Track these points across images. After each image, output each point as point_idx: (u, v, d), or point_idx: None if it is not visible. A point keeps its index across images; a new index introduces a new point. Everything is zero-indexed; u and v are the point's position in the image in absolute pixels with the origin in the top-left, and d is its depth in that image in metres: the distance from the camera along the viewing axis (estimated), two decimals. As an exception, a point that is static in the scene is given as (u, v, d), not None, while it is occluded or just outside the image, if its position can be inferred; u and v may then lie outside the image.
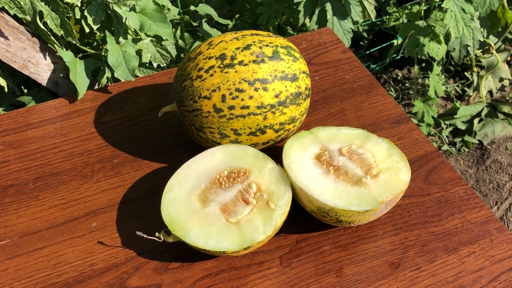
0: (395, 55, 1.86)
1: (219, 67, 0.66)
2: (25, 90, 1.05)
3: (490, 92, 1.86)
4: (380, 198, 0.60)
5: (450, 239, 0.66)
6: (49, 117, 0.84)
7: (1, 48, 0.84)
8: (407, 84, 1.89)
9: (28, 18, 0.79)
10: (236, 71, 0.65)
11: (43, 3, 0.81)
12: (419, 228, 0.68)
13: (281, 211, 0.61)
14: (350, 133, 0.69)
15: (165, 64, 1.02)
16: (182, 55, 1.29)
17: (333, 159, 0.65)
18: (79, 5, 0.83)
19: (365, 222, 0.63)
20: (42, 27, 0.84)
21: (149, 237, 0.62)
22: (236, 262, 0.64)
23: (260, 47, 0.67)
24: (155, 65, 1.01)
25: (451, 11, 1.30)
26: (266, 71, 0.66)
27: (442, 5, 1.31)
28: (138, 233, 0.62)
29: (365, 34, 1.83)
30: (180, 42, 1.20)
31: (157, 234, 0.62)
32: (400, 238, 0.67)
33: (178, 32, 1.23)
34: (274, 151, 0.74)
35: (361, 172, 0.64)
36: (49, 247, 0.66)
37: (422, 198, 0.71)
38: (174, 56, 1.04)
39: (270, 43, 0.68)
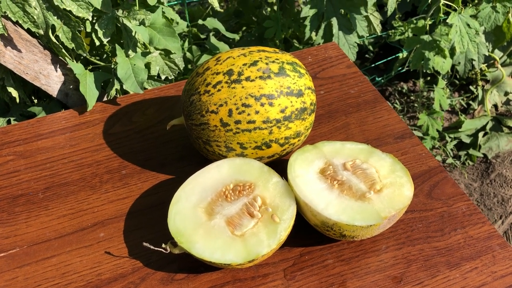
0: (400, 68, 1.87)
1: (226, 82, 0.67)
2: (35, 101, 1.07)
3: (495, 106, 1.87)
4: (383, 213, 0.61)
5: (453, 254, 0.67)
6: (59, 128, 0.86)
7: (14, 61, 0.86)
8: (412, 97, 1.90)
9: (41, 31, 0.81)
10: (243, 87, 0.67)
11: (55, 17, 0.83)
12: (422, 243, 0.69)
13: (285, 224, 0.62)
14: (355, 148, 0.70)
15: (173, 77, 1.04)
16: (189, 67, 1.31)
17: (337, 174, 0.66)
18: (90, 19, 0.85)
19: (368, 236, 0.64)
20: (54, 40, 0.86)
21: (156, 249, 0.63)
22: (241, 274, 0.65)
23: (267, 63, 0.69)
24: (163, 77, 1.03)
25: (456, 26, 1.31)
26: (272, 86, 0.67)
27: (447, 20, 1.33)
28: (145, 244, 0.64)
29: (370, 47, 1.85)
30: (188, 54, 1.22)
31: (163, 245, 0.63)
32: (402, 253, 0.68)
33: (186, 44, 1.25)
34: (279, 164, 0.75)
35: (364, 187, 0.65)
36: (58, 256, 0.68)
37: (425, 213, 0.72)
38: (182, 68, 1.06)
39: (277, 59, 0.70)
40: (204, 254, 0.60)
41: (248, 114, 0.67)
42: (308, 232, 0.69)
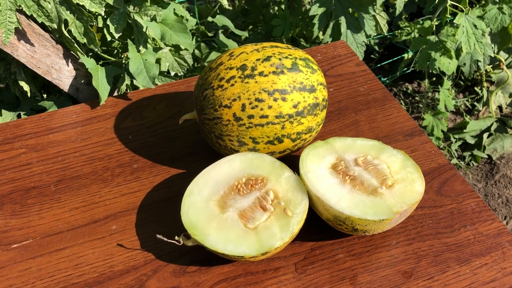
0: (405, 68, 1.87)
1: (240, 77, 0.68)
2: (45, 95, 1.07)
3: (500, 107, 1.87)
4: (395, 208, 0.62)
5: (463, 251, 0.68)
6: (70, 122, 0.87)
7: (27, 54, 0.86)
8: (417, 98, 1.91)
9: (55, 26, 0.82)
10: (256, 82, 0.68)
11: (68, 11, 0.84)
12: (432, 239, 0.69)
13: (298, 218, 0.62)
14: (366, 144, 0.71)
15: (182, 73, 1.05)
16: (196, 65, 1.31)
17: (349, 169, 0.67)
18: (103, 14, 0.86)
19: (379, 231, 0.65)
20: (67, 34, 0.87)
21: (169, 241, 0.64)
22: (252, 267, 0.66)
23: (280, 59, 0.69)
24: (172, 73, 1.04)
25: (463, 26, 1.32)
26: (285, 82, 0.68)
27: (454, 21, 1.33)
28: (158, 236, 0.64)
29: (376, 47, 1.85)
30: (196, 52, 1.22)
31: (176, 237, 0.64)
32: (413, 248, 0.68)
33: (194, 41, 1.26)
34: (290, 160, 0.76)
35: (376, 182, 0.65)
36: (70, 248, 0.68)
37: (434, 209, 0.73)
38: (191, 65, 1.06)
39: (290, 55, 0.70)
40: (217, 246, 0.60)
41: (261, 109, 0.67)
42: (318, 227, 0.70)
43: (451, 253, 0.67)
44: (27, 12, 0.78)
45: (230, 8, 1.47)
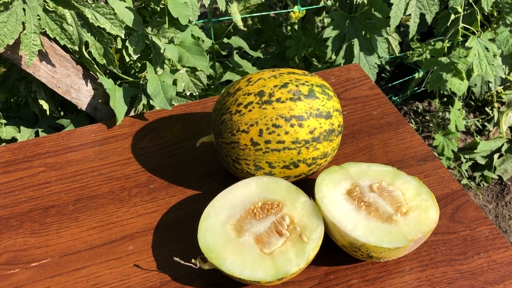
0: (416, 88, 1.88)
1: (257, 103, 0.69)
2: (62, 113, 1.09)
3: (511, 128, 1.87)
4: (410, 236, 0.62)
5: (476, 278, 0.68)
6: (88, 141, 0.88)
7: (48, 75, 0.89)
8: (427, 117, 1.91)
9: (76, 48, 0.84)
10: (273, 108, 0.69)
11: (89, 34, 0.86)
12: (445, 266, 0.70)
13: (313, 244, 0.63)
14: (380, 170, 0.72)
15: (197, 93, 1.06)
16: (210, 82, 1.33)
17: (364, 195, 0.68)
18: (123, 36, 0.88)
19: (394, 258, 0.65)
20: (87, 56, 0.89)
21: (186, 263, 0.65)
22: (267, 291, 0.66)
23: (297, 85, 0.71)
24: (188, 93, 1.05)
25: (475, 49, 1.33)
26: (302, 108, 0.69)
27: (466, 44, 1.34)
28: (175, 258, 0.65)
29: (387, 67, 1.87)
30: (211, 71, 1.24)
31: (193, 260, 0.65)
32: (426, 275, 0.68)
33: (208, 61, 1.28)
34: (305, 184, 0.77)
35: (391, 209, 0.66)
36: (88, 267, 0.69)
37: (448, 236, 0.73)
38: (205, 85, 1.08)
39: (306, 81, 0.72)
40: (233, 271, 0.61)
41: (278, 135, 0.69)
42: (332, 252, 0.70)
43: (464, 280, 0.68)
44: (51, 35, 0.81)
45: (245, 29, 1.50)
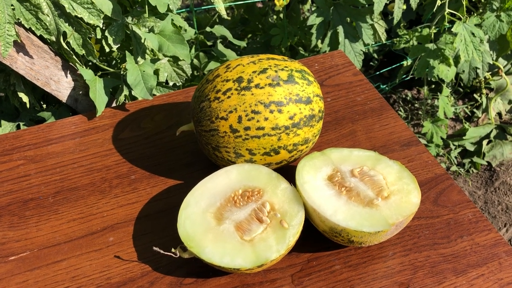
0: (404, 75, 1.88)
1: (236, 89, 0.68)
2: (44, 106, 1.08)
3: (499, 114, 1.87)
4: (391, 220, 0.62)
5: (459, 261, 0.68)
6: (68, 133, 0.87)
7: (25, 67, 0.87)
8: (416, 105, 1.91)
9: (53, 38, 0.82)
10: (252, 94, 0.68)
11: (67, 24, 0.84)
12: (428, 250, 0.69)
13: (294, 230, 0.62)
14: (362, 155, 0.71)
15: (180, 83, 1.05)
16: (195, 73, 1.32)
17: (345, 180, 0.67)
18: (102, 26, 0.86)
19: (376, 242, 0.65)
20: (65, 46, 0.87)
21: (165, 253, 0.64)
22: (249, 279, 0.66)
23: (276, 71, 0.70)
24: (171, 83, 1.04)
25: (461, 34, 1.32)
26: (281, 94, 0.68)
27: (452, 29, 1.34)
28: (155, 248, 0.64)
29: (375, 55, 1.86)
30: (195, 61, 1.23)
31: (173, 250, 0.64)
32: (409, 259, 0.68)
33: (193, 51, 1.27)
34: (287, 171, 0.76)
35: (372, 193, 0.66)
36: (68, 260, 0.69)
37: (431, 220, 0.73)
38: (189, 75, 1.07)
39: (286, 67, 0.71)
40: (213, 259, 0.61)
41: (258, 121, 0.68)
42: (315, 238, 0.70)
43: (447, 264, 0.67)
44: (26, 25, 0.79)
45: (229, 18, 1.48)
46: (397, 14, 1.21)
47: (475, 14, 1.46)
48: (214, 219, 0.65)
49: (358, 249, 0.69)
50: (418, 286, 0.65)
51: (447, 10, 1.36)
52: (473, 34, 1.34)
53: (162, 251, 0.64)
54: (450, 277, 0.66)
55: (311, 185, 0.66)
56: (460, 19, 1.37)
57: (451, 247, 0.69)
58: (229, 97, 0.68)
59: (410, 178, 0.68)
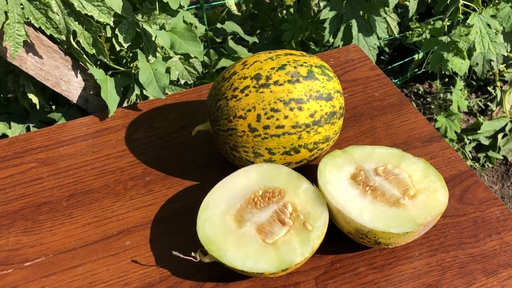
0: (416, 69, 1.85)
1: (254, 87, 0.66)
2: (53, 107, 1.06)
3: (514, 107, 1.83)
4: (419, 220, 0.60)
5: (489, 261, 0.65)
6: (80, 134, 0.85)
7: (35, 67, 0.85)
8: (428, 99, 1.88)
9: (63, 37, 0.80)
10: (271, 91, 0.66)
11: (76, 22, 0.82)
12: (456, 250, 0.67)
13: (318, 232, 0.60)
14: (385, 152, 0.69)
15: (192, 81, 1.03)
16: (205, 71, 1.30)
17: (369, 180, 0.65)
18: (112, 24, 0.84)
19: (402, 243, 0.63)
20: (75, 46, 0.85)
21: (185, 257, 0.62)
22: (271, 283, 0.64)
23: (295, 67, 0.67)
24: (182, 82, 1.02)
25: (477, 26, 1.29)
26: (301, 90, 0.66)
27: (467, 21, 1.31)
28: (174, 252, 0.62)
29: (386, 49, 1.83)
30: (205, 58, 1.21)
31: (193, 254, 0.62)
32: (436, 260, 0.66)
33: (203, 48, 1.24)
34: (307, 170, 0.74)
35: (398, 192, 0.63)
36: (84, 265, 0.67)
37: (457, 218, 0.70)
38: (200, 72, 1.04)
39: (305, 62, 0.68)
40: (235, 263, 0.58)
41: (277, 119, 0.65)
42: (338, 239, 0.67)
43: (476, 264, 0.65)
44: (36, 25, 0.77)
45: (239, 13, 1.46)
46: (412, 7, 1.18)
47: (491, 5, 1.43)
48: (234, 222, 0.62)
49: (383, 250, 0.66)
50: (447, 287, 0.63)
51: (462, 2, 1.33)
52: (488, 25, 1.31)
53: (182, 256, 0.62)
54: (480, 278, 0.63)
55: (334, 185, 0.64)
56: (475, 10, 1.34)
57: (480, 247, 0.67)
58: (247, 95, 0.66)
59: (436, 176, 0.65)
